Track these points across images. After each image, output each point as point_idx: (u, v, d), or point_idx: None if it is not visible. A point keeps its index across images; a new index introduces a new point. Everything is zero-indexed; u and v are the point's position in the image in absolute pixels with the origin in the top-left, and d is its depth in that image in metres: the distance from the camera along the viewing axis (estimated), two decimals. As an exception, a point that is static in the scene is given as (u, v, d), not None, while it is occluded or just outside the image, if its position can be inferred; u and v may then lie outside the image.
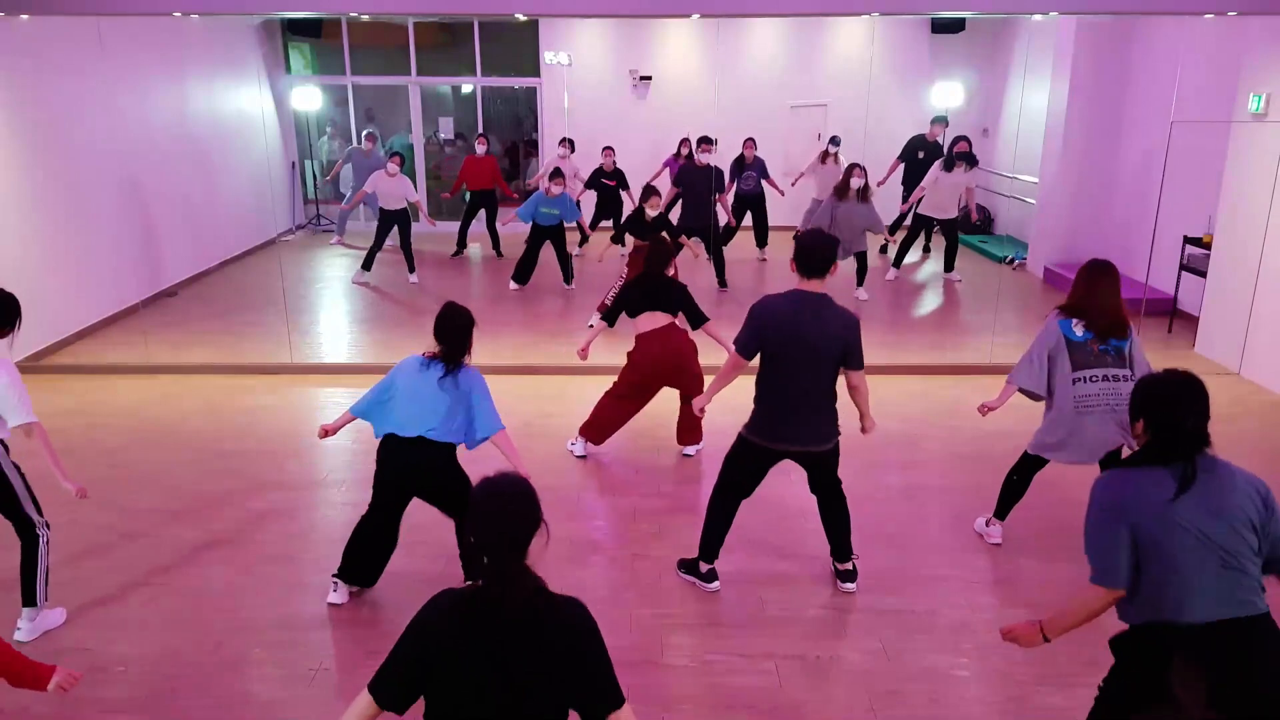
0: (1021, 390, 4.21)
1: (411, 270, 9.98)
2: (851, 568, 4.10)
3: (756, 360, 3.82)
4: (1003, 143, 12.04)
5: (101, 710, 3.35)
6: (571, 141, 10.52)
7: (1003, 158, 11.95)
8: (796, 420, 3.78)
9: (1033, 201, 10.61)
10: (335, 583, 3.99)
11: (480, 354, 7.30)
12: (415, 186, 10.91)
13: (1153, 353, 7.25)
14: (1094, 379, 4.02)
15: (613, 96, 12.58)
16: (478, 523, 1.97)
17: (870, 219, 8.77)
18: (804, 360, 3.67)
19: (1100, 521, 2.41)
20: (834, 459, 3.94)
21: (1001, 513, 4.52)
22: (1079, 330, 4.04)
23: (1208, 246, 7.47)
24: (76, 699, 3.40)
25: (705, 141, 9.62)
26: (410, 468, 3.82)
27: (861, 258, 8.99)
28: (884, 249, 10.71)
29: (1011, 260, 10.75)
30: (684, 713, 3.33)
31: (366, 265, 9.96)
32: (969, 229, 12.24)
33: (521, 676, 1.94)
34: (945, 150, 9.92)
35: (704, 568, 4.10)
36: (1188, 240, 7.88)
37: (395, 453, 3.80)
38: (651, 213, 7.84)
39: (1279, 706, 2.24)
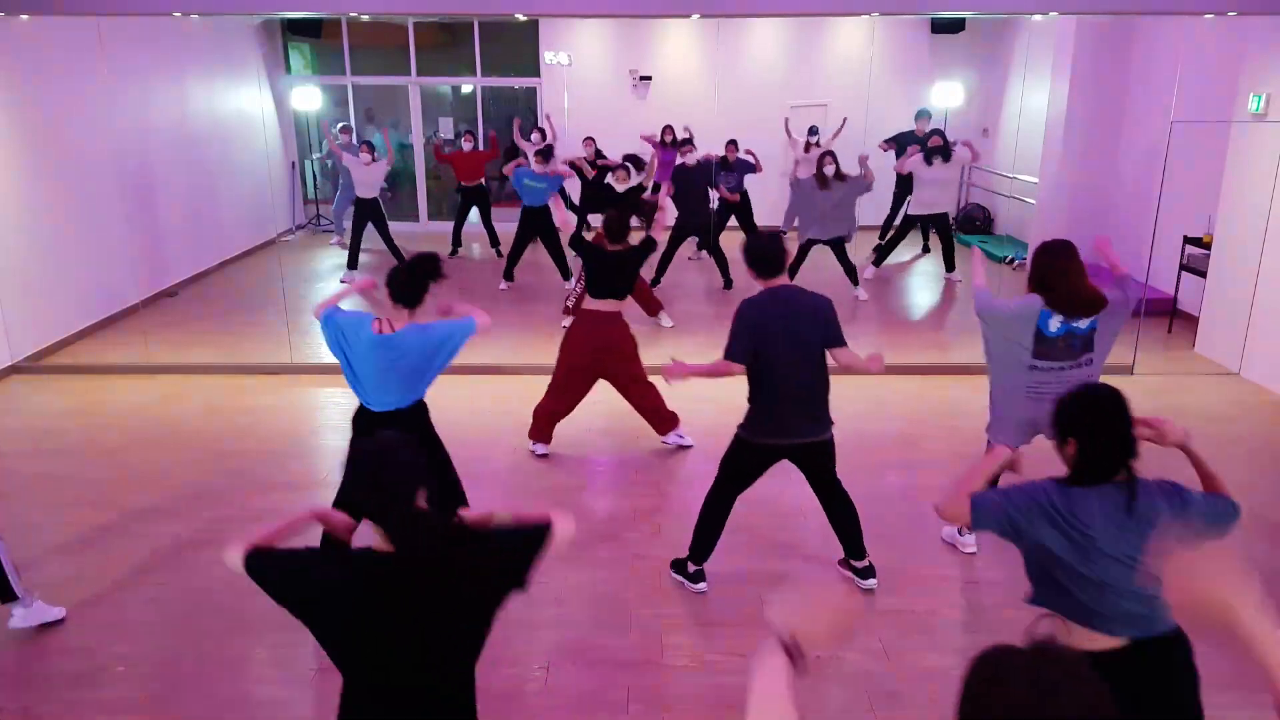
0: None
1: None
2: (868, 564, 4.08)
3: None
4: (1003, 143, 12.03)
5: (101, 710, 3.35)
6: (594, 140, 10.65)
7: (1003, 158, 11.95)
8: (794, 413, 3.81)
9: (1033, 201, 10.60)
10: None
11: (479, 354, 7.34)
12: (416, 185, 10.94)
13: (1153, 353, 7.31)
14: (1051, 369, 3.89)
15: (613, 96, 12.58)
16: (365, 485, 1.93)
17: (856, 189, 8.78)
18: (793, 352, 3.72)
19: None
20: (831, 451, 3.95)
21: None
22: (1055, 325, 3.84)
23: (1208, 246, 7.47)
24: (76, 699, 3.40)
25: (686, 144, 9.53)
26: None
27: (843, 253, 8.99)
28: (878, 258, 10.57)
29: (1011, 260, 10.75)
30: (684, 713, 3.33)
31: (351, 263, 10.01)
32: (970, 229, 12.26)
33: (442, 625, 1.95)
34: (929, 148, 9.92)
35: (692, 568, 4.10)
36: (1188, 240, 7.88)
37: (371, 427, 3.71)
38: (619, 186, 7.89)
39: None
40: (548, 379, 6.74)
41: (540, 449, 5.54)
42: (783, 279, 3.77)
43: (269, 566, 2.02)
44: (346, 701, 2.05)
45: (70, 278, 7.75)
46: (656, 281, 9.36)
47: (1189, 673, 2.42)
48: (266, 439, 5.75)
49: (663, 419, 5.54)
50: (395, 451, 1.98)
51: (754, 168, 10.02)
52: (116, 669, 3.57)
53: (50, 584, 4.14)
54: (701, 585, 4.08)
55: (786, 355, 3.72)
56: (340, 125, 11.76)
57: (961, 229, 12.43)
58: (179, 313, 8.77)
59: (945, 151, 9.53)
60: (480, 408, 6.32)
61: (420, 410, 3.92)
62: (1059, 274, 3.80)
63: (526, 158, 9.81)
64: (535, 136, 10.65)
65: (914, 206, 9.77)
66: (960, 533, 4.48)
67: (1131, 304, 3.99)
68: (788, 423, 3.82)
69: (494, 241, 11.20)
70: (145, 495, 5.02)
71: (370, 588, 1.92)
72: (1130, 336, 7.16)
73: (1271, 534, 4.61)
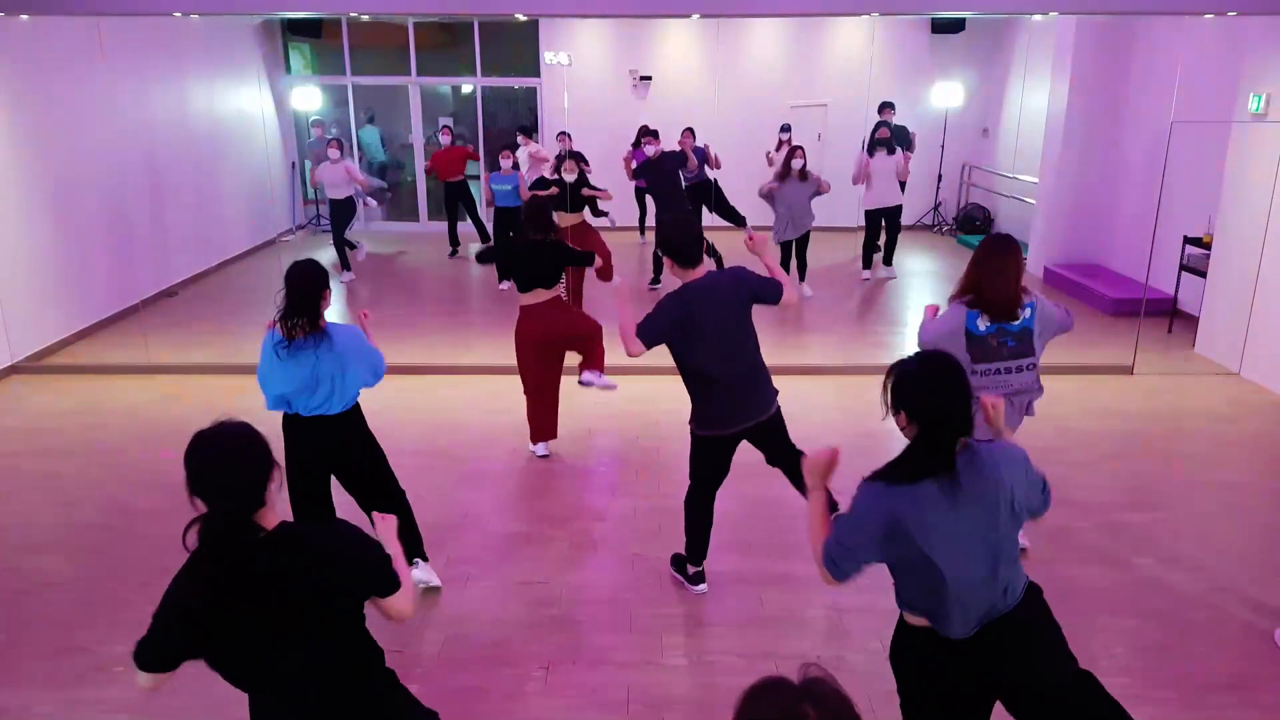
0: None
1: (346, 268, 10.02)
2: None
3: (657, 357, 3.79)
4: (1003, 143, 12.04)
5: (101, 710, 3.35)
6: (568, 135, 10.63)
7: (1003, 158, 11.96)
8: (739, 396, 3.75)
9: (1033, 201, 10.60)
10: None
11: (478, 355, 7.35)
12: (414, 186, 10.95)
13: (1153, 353, 7.31)
14: (989, 372, 3.87)
15: (613, 96, 12.58)
16: (193, 481, 1.93)
17: (812, 188, 8.85)
18: (720, 335, 3.66)
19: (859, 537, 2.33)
20: (782, 422, 3.89)
21: None
22: (983, 324, 3.82)
23: (1208, 246, 7.47)
24: (76, 699, 3.40)
25: (651, 135, 9.23)
26: (322, 447, 3.72)
27: (802, 249, 8.98)
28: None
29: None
30: (684, 713, 3.33)
31: (344, 265, 10.08)
32: (971, 229, 12.26)
33: (284, 610, 1.97)
34: (876, 138, 9.87)
35: (691, 569, 4.08)
36: (1188, 240, 7.88)
37: (305, 431, 3.68)
38: (569, 177, 7.93)
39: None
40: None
41: (541, 449, 5.53)
42: (700, 270, 3.69)
43: (153, 644, 2.05)
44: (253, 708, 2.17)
45: (70, 278, 7.75)
46: (656, 281, 9.36)
47: (1046, 623, 2.40)
48: (266, 439, 5.73)
49: (594, 358, 5.37)
50: (231, 444, 1.99)
51: (705, 158, 9.92)
52: (116, 669, 3.56)
53: (50, 584, 4.14)
54: (701, 587, 4.07)
55: (711, 342, 3.64)
56: (312, 120, 11.75)
57: (962, 229, 12.43)
58: (179, 313, 8.77)
59: (890, 144, 9.59)
60: (479, 408, 6.32)
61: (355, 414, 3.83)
62: (990, 274, 3.79)
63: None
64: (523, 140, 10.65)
65: (868, 201, 9.78)
66: None
67: (1066, 327, 3.98)
68: (733, 408, 3.76)
69: (484, 238, 11.24)
70: (145, 495, 5.02)
71: (202, 596, 1.95)
72: (1130, 336, 7.16)
73: (1273, 534, 4.61)
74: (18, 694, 3.43)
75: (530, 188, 8.85)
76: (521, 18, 9.13)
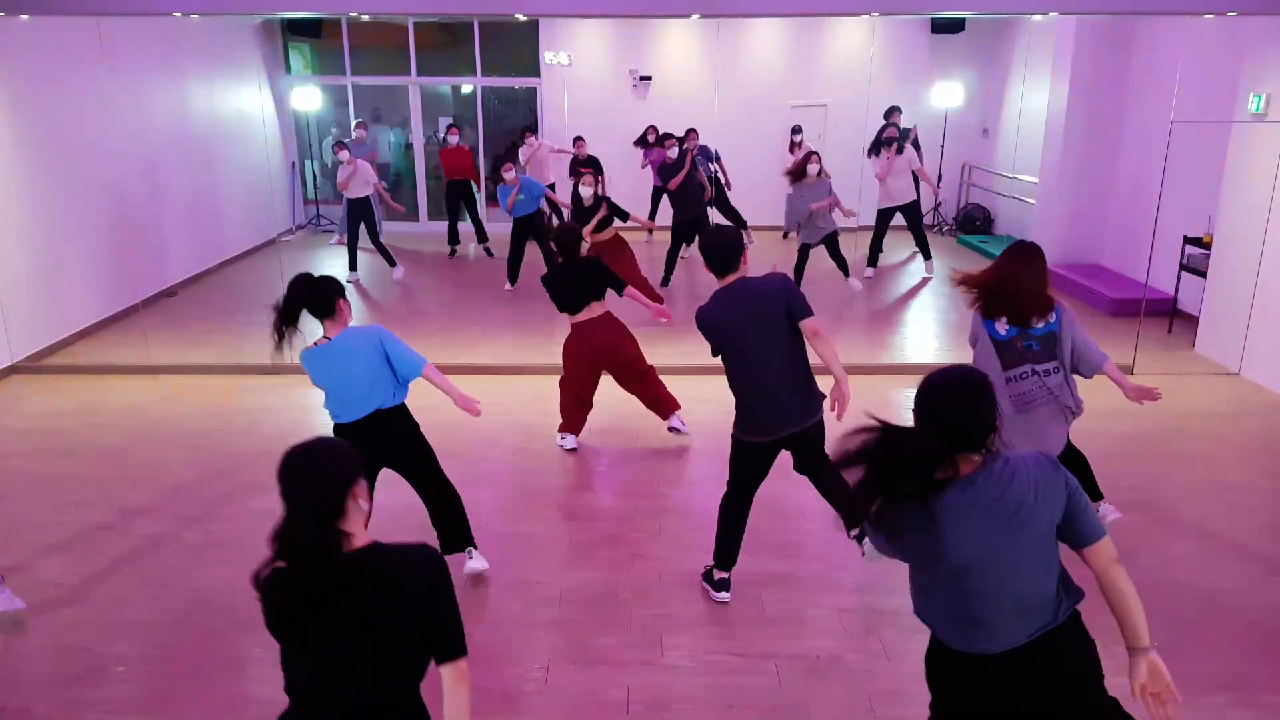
0: None
1: (392, 264, 10.10)
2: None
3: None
4: (1003, 143, 12.04)
5: (101, 710, 3.35)
6: (582, 139, 10.80)
7: (1003, 158, 11.96)
8: (781, 404, 3.75)
9: (1033, 201, 10.60)
10: None
11: (479, 354, 7.35)
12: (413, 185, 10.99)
13: (1153, 353, 7.31)
14: (1024, 376, 3.86)
15: (613, 96, 12.58)
16: (283, 493, 1.93)
17: (824, 192, 8.83)
18: (761, 342, 3.68)
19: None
20: (822, 432, 3.87)
21: None
22: (1002, 329, 3.88)
23: (1208, 246, 7.47)
24: (76, 699, 3.40)
25: (668, 137, 9.72)
26: (378, 441, 3.83)
27: (835, 249, 9.02)
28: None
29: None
30: (684, 713, 3.33)
31: (352, 265, 10.09)
32: (970, 229, 12.26)
33: (351, 640, 1.91)
34: (884, 138, 9.95)
35: (718, 575, 4.02)
36: (1188, 240, 7.88)
37: (359, 434, 3.76)
38: (585, 190, 7.95)
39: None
40: (547, 379, 6.75)
41: (570, 441, 5.59)
42: (737, 274, 3.75)
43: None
44: None
45: (70, 278, 7.75)
46: (666, 281, 9.38)
47: (1083, 649, 2.34)
48: (266, 439, 5.75)
49: (664, 404, 5.64)
50: (323, 455, 1.97)
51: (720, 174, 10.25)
52: (116, 669, 3.57)
53: (50, 584, 4.14)
54: (724, 595, 3.99)
55: (754, 348, 3.69)
56: (356, 122, 11.90)
57: (961, 229, 12.43)
58: (179, 313, 8.77)
59: (898, 142, 9.66)
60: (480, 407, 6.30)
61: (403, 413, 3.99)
62: (1011, 281, 3.83)
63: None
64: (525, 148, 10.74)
65: (881, 200, 9.86)
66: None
67: (1091, 361, 3.98)
68: (775, 416, 3.77)
69: (480, 238, 11.31)
70: (145, 495, 5.02)
71: (279, 606, 1.93)
72: (1130, 336, 7.16)
73: (1273, 534, 4.61)
74: (18, 694, 3.43)
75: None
76: (521, 18, 9.15)
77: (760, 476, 3.95)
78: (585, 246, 8.53)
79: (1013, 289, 3.83)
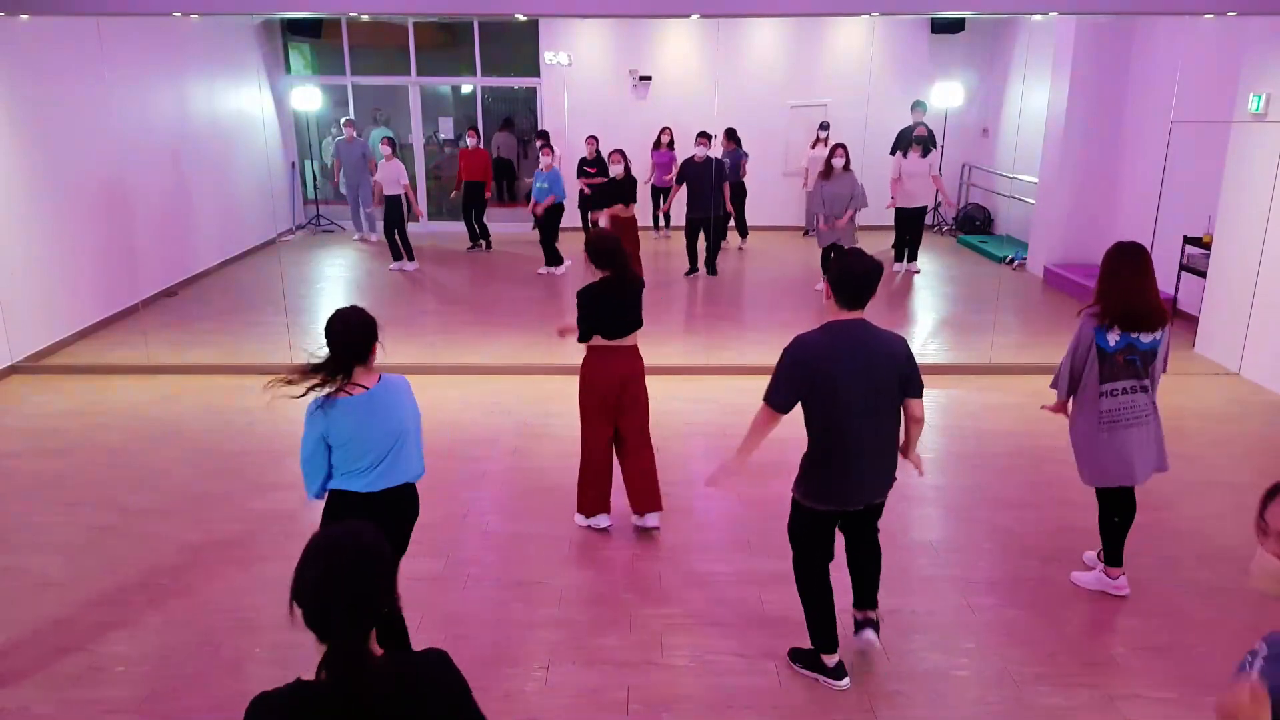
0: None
1: (411, 258, 10.46)
2: (877, 618, 3.60)
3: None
4: (1003, 143, 12.04)
5: (101, 710, 3.34)
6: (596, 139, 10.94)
7: (1003, 158, 11.96)
8: (862, 472, 3.23)
9: (1033, 201, 10.60)
10: None
11: (482, 354, 7.35)
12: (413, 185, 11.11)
13: (1153, 353, 7.31)
14: (1118, 391, 3.72)
15: (613, 96, 12.59)
16: (308, 585, 1.64)
17: (856, 191, 8.87)
18: (863, 402, 3.14)
19: None
20: (883, 504, 3.47)
21: (1114, 558, 4.00)
22: (1113, 339, 3.69)
23: (1208, 246, 7.47)
24: (76, 699, 3.40)
25: (702, 136, 9.84)
26: (394, 521, 3.11)
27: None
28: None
29: (1011, 260, 10.75)
30: (684, 713, 3.33)
31: (395, 255, 10.48)
32: (970, 229, 12.26)
33: None
34: (914, 137, 10.01)
35: (830, 661, 3.45)
36: (1188, 240, 7.88)
37: (379, 509, 3.04)
38: (615, 169, 8.66)
39: None
40: (547, 379, 6.77)
41: (602, 521, 4.60)
42: (856, 313, 3.18)
43: None
44: None
45: (70, 278, 7.75)
46: (694, 269, 9.86)
47: None
48: (266, 439, 5.75)
49: (649, 495, 4.54)
50: (373, 552, 1.67)
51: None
52: (116, 669, 3.56)
53: (50, 584, 4.14)
54: (845, 681, 3.43)
55: (850, 404, 3.13)
56: (344, 120, 12.01)
57: (961, 229, 12.44)
58: (179, 313, 8.77)
59: (925, 146, 9.66)
60: (479, 408, 6.32)
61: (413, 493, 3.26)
62: (1127, 281, 3.66)
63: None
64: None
65: (900, 200, 9.92)
66: (1112, 578, 4.02)
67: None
68: (856, 484, 3.25)
69: (473, 238, 11.46)
70: (145, 495, 5.02)
71: None
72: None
73: (1271, 534, 4.61)
74: (18, 694, 3.43)
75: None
76: (521, 18, 9.15)
77: (831, 542, 3.41)
78: (604, 221, 8.73)
79: (1127, 287, 3.64)
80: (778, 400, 3.18)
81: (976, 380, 6.84)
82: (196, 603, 4.01)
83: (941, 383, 6.81)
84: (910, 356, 3.25)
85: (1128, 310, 3.66)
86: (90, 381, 6.87)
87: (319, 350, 3.02)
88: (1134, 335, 3.70)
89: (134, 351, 7.39)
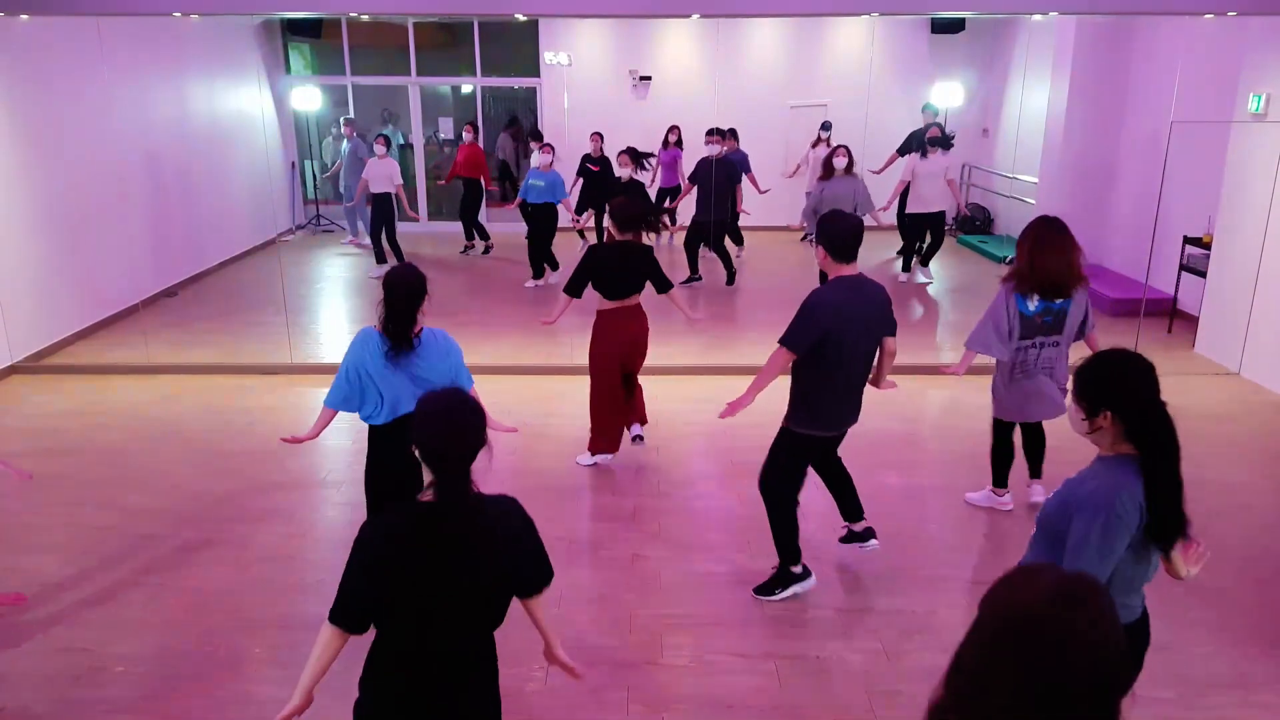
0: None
1: (381, 261, 10.14)
2: (868, 527, 4.18)
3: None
4: (1003, 143, 12.03)
5: (101, 710, 3.35)
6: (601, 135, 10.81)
7: (1003, 158, 11.95)
8: (850, 402, 3.87)
9: (1033, 201, 10.59)
10: None
11: (482, 354, 7.34)
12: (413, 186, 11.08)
13: (1153, 353, 7.26)
14: (1033, 347, 4.41)
15: (613, 96, 12.58)
16: (431, 436, 2.03)
17: (858, 193, 8.52)
18: (861, 343, 3.74)
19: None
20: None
21: (1001, 480, 4.81)
22: (1033, 305, 4.34)
23: (1208, 246, 7.47)
24: (76, 699, 3.40)
25: (716, 133, 9.55)
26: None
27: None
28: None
29: (1011, 260, 10.73)
30: (684, 713, 3.33)
31: (380, 258, 10.23)
32: (970, 229, 12.26)
33: (473, 579, 2.08)
34: (927, 138, 9.87)
35: (797, 569, 4.02)
36: (1188, 240, 7.88)
37: (398, 433, 3.54)
38: (624, 172, 8.17)
39: None
40: (547, 379, 6.77)
41: (603, 459, 5.35)
42: (853, 266, 3.72)
43: (351, 605, 2.11)
44: (375, 666, 2.19)
45: (70, 278, 7.74)
46: (695, 277, 9.69)
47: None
48: (266, 439, 5.74)
49: (639, 412, 5.49)
50: (466, 402, 2.11)
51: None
52: (116, 669, 3.56)
53: (50, 584, 4.14)
54: (812, 580, 4.04)
55: (852, 345, 3.70)
56: (344, 119, 11.94)
57: (961, 229, 12.43)
58: (179, 313, 8.77)
59: (944, 142, 9.45)
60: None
61: None
62: (1040, 253, 4.27)
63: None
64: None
65: (913, 204, 9.67)
66: (997, 494, 4.82)
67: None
68: (845, 412, 3.88)
69: (468, 235, 11.35)
70: (145, 495, 5.02)
71: (414, 534, 2.04)
72: (1130, 337, 7.16)
73: (1273, 534, 4.61)
74: (18, 694, 3.43)
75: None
76: (521, 18, 9.15)
77: (805, 472, 4.05)
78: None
79: (1044, 257, 4.25)
80: (797, 343, 3.68)
81: (977, 380, 6.82)
82: (196, 602, 4.01)
83: (941, 383, 6.81)
84: (890, 302, 3.84)
85: (1049, 280, 4.25)
86: (90, 381, 6.87)
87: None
88: (1052, 301, 4.32)
89: (134, 351, 7.39)
